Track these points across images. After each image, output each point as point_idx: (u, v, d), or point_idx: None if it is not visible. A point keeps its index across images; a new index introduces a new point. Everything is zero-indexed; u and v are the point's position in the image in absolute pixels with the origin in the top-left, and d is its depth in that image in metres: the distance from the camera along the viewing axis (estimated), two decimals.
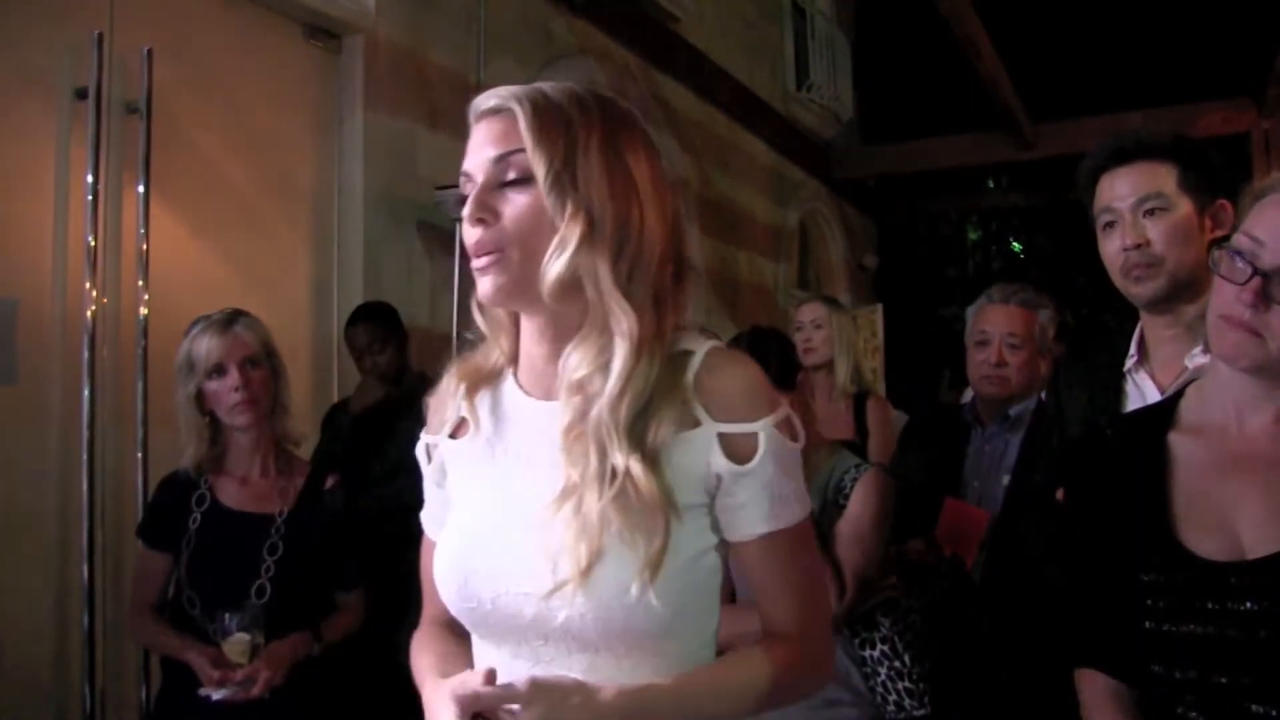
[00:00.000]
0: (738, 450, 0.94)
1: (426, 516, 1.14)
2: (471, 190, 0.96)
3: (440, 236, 3.73)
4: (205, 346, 1.94)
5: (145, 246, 2.70)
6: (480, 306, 1.03)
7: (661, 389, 0.94)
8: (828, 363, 3.15)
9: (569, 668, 0.93)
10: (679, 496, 0.94)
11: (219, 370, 1.94)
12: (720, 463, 0.94)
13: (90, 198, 2.57)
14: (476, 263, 0.95)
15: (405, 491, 2.64)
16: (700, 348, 0.98)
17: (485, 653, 1.01)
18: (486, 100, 0.98)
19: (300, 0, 3.29)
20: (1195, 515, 1.11)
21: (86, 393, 2.53)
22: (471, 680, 0.88)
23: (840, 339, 3.17)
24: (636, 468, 0.91)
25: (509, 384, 1.04)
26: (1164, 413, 1.22)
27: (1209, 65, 6.93)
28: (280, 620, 1.86)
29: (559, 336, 0.97)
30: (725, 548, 0.99)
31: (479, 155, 0.97)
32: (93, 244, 2.57)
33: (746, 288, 6.58)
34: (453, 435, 1.06)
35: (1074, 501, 1.26)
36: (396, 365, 3.04)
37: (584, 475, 0.92)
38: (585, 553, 0.89)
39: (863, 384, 3.22)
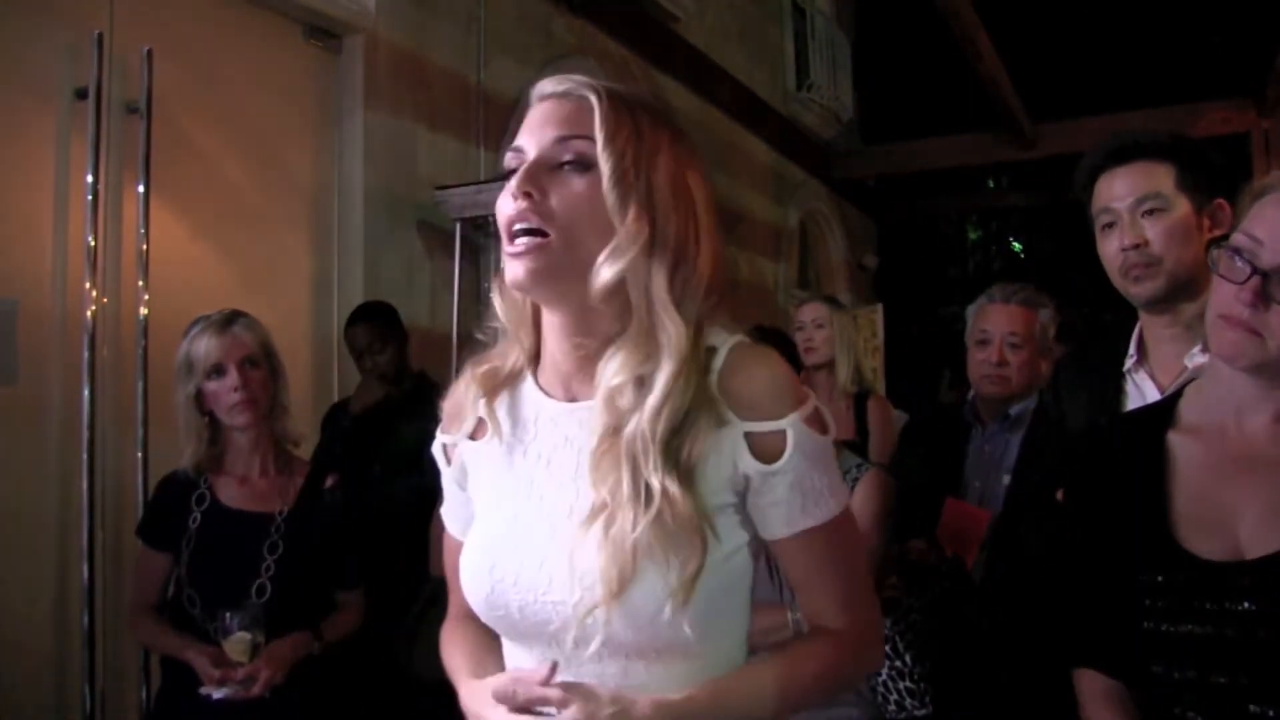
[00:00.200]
0: (766, 449, 0.92)
1: (448, 515, 1.11)
2: (521, 165, 0.93)
3: (440, 237, 3.73)
4: (204, 347, 1.94)
5: (145, 246, 2.70)
6: (501, 297, 1.00)
7: (696, 399, 0.91)
8: (828, 362, 3.16)
9: (600, 671, 0.93)
10: (710, 499, 0.92)
11: (218, 370, 1.94)
12: (748, 463, 0.92)
13: (90, 197, 2.57)
14: (513, 245, 0.91)
15: (406, 490, 2.65)
16: (724, 344, 0.95)
17: (515, 655, 1.00)
18: (557, 84, 0.96)
19: (300, 0, 3.29)
20: (1194, 515, 1.11)
21: (86, 393, 2.53)
22: (529, 678, 0.88)
23: (841, 339, 3.18)
24: (673, 488, 0.88)
25: (528, 384, 1.01)
26: (1163, 412, 1.22)
27: (1209, 65, 6.93)
28: (280, 619, 1.86)
29: (587, 337, 0.95)
30: (756, 544, 0.97)
31: (538, 133, 0.94)
32: (93, 244, 2.57)
33: (746, 288, 6.58)
34: (471, 436, 1.04)
35: (1073, 501, 1.26)
36: (396, 365, 3.04)
37: (615, 495, 0.89)
38: (617, 577, 0.87)
39: (863, 384, 3.22)
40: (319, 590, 2.02)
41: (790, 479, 0.93)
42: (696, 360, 0.92)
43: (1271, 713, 1.01)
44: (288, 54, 3.39)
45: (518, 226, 0.91)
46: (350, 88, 3.54)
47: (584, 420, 0.95)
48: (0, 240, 2.49)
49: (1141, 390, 1.56)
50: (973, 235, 11.69)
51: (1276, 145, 6.61)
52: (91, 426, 2.53)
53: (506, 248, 0.92)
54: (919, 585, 2.10)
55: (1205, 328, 1.14)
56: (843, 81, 8.02)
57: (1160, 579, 1.09)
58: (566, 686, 0.87)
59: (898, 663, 1.83)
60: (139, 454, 2.66)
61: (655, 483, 0.88)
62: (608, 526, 0.89)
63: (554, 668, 0.88)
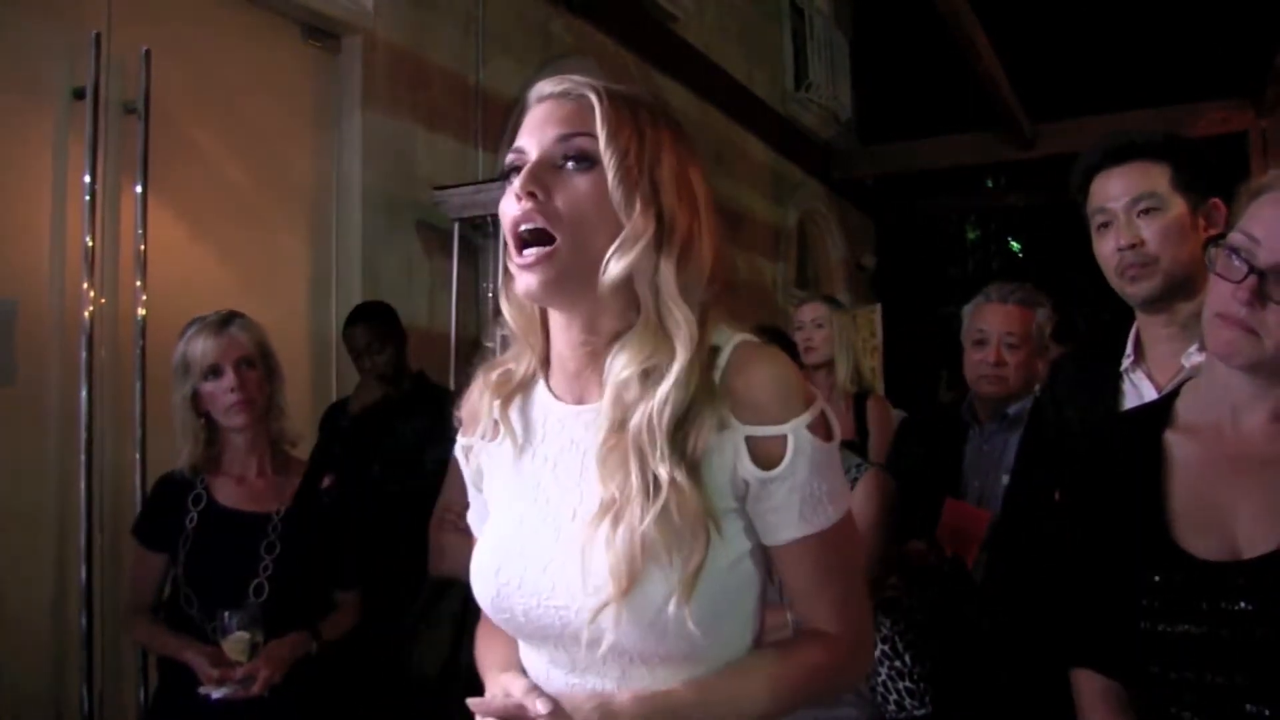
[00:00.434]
0: (766, 453, 0.91)
1: (472, 516, 1.12)
2: (523, 165, 0.93)
3: (439, 236, 3.73)
4: (200, 348, 1.94)
5: (143, 247, 2.71)
6: (510, 302, 1.00)
7: (700, 392, 0.91)
8: (828, 362, 3.16)
9: (604, 674, 0.93)
10: (714, 500, 0.91)
11: (214, 371, 1.94)
12: (748, 468, 0.91)
13: (88, 198, 2.57)
14: (523, 257, 0.91)
15: (406, 490, 2.64)
16: (728, 343, 0.95)
17: (527, 654, 1.01)
18: (556, 84, 0.96)
19: (298, 0, 3.29)
20: (1191, 515, 1.11)
21: (84, 393, 2.53)
22: (514, 686, 0.89)
23: (840, 338, 3.18)
24: (681, 479, 0.88)
25: (539, 388, 1.02)
26: (1160, 412, 1.22)
27: (1207, 65, 6.93)
28: (278, 619, 1.87)
29: (593, 334, 0.96)
30: (760, 554, 0.96)
31: (539, 133, 0.94)
32: (90, 244, 2.57)
33: (745, 287, 6.58)
34: (487, 439, 1.05)
35: (1071, 501, 1.26)
36: (395, 365, 3.04)
37: (623, 490, 0.89)
38: (626, 572, 0.87)
39: (863, 383, 3.22)
40: (317, 590, 2.02)
41: (789, 485, 0.91)
42: (701, 354, 0.92)
43: (1268, 712, 1.01)
44: (286, 54, 3.39)
45: (524, 228, 0.92)
46: (348, 88, 3.54)
47: (590, 423, 0.96)
48: None
49: (1139, 390, 1.56)
50: (971, 235, 11.68)
51: (1274, 145, 6.61)
52: (90, 427, 2.53)
53: (515, 259, 0.92)
54: (919, 585, 2.10)
55: (1202, 327, 1.14)
56: (841, 81, 8.02)
57: (1157, 579, 1.09)
58: (550, 714, 0.88)
59: (897, 663, 1.83)
60: (137, 454, 2.66)
61: (663, 473, 0.88)
62: (615, 523, 0.88)
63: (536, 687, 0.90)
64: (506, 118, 4.04)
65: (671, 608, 0.87)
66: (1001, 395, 2.33)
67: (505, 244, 0.95)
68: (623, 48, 5.20)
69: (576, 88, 0.94)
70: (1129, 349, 1.60)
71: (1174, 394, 1.24)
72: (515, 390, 1.02)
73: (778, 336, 2.01)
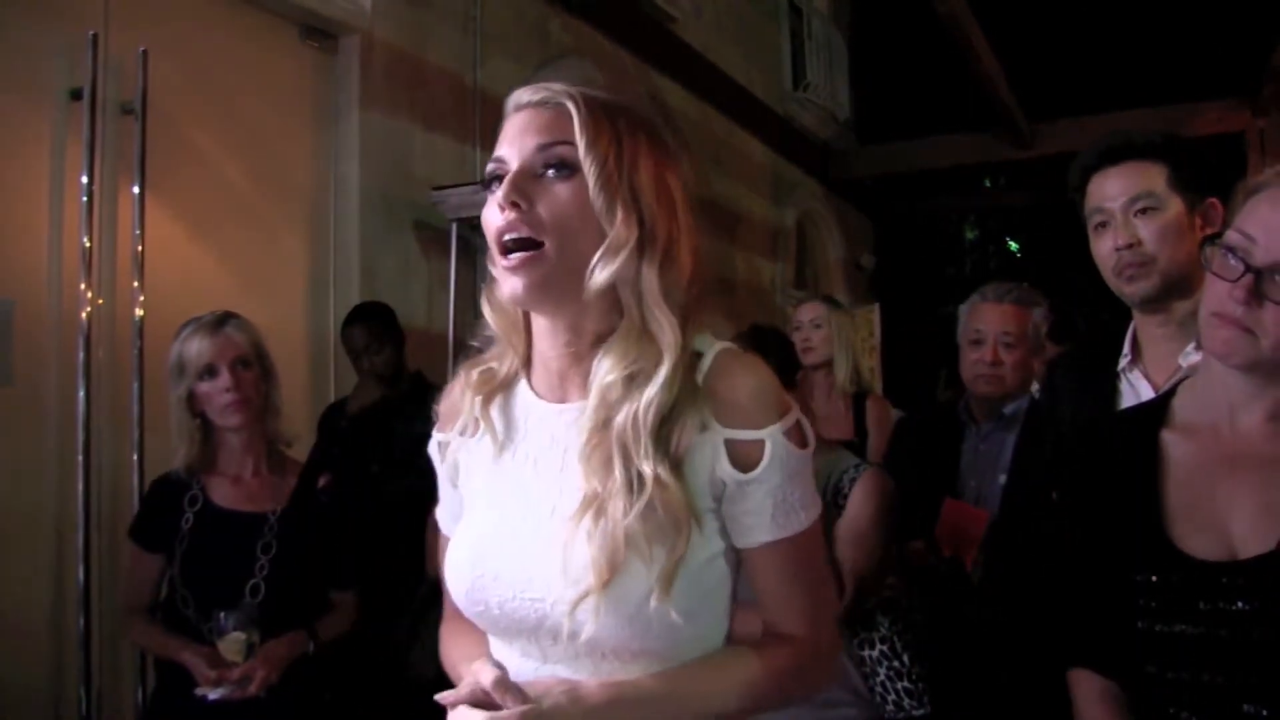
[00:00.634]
0: (744, 456, 0.93)
1: (442, 513, 1.13)
2: (504, 175, 0.94)
3: (437, 236, 3.73)
4: (196, 348, 1.94)
5: (140, 247, 2.70)
6: (491, 307, 1.01)
7: (684, 394, 0.93)
8: (827, 362, 3.16)
9: (575, 670, 0.94)
10: (694, 499, 0.93)
11: (210, 371, 1.94)
12: (726, 469, 0.93)
13: (85, 198, 2.57)
14: (508, 260, 0.93)
15: (404, 490, 2.64)
16: (710, 350, 0.97)
17: (498, 649, 1.01)
18: (533, 93, 0.97)
19: (296, 0, 3.29)
20: (1188, 514, 1.11)
21: (82, 394, 2.53)
22: (483, 675, 0.88)
23: (840, 338, 3.18)
24: (665, 475, 0.90)
25: (521, 386, 1.03)
26: (1157, 411, 1.22)
27: (1205, 64, 6.94)
28: (275, 619, 1.86)
29: (576, 338, 0.97)
30: (734, 554, 0.98)
31: (519, 142, 0.95)
32: (88, 245, 2.56)
33: (743, 287, 6.58)
34: (465, 434, 1.05)
35: (1068, 501, 1.26)
36: (393, 365, 3.04)
37: (606, 485, 0.91)
38: (607, 564, 0.88)
39: (862, 383, 3.22)
40: (313, 590, 2.01)
41: (765, 489, 0.94)
42: (685, 358, 0.94)
43: (1266, 712, 1.01)
44: (283, 54, 3.39)
45: (509, 237, 0.93)
46: (346, 88, 3.54)
47: (571, 421, 0.97)
48: None
49: (1136, 389, 1.56)
50: (970, 235, 11.69)
51: (1271, 144, 6.62)
52: (87, 427, 2.53)
53: (500, 262, 0.94)
54: (918, 585, 2.10)
55: (1198, 326, 1.14)
56: (839, 81, 8.02)
57: (1154, 579, 1.09)
58: (522, 713, 0.86)
59: (896, 663, 1.83)
60: (135, 455, 2.65)
61: (647, 470, 0.90)
62: (598, 517, 0.90)
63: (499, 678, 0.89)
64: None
65: (652, 600, 0.89)
66: (998, 395, 2.33)
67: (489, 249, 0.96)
68: (621, 48, 5.19)
69: (555, 96, 0.95)
70: (1126, 348, 1.60)
71: (1170, 393, 1.24)
72: (497, 389, 1.03)
73: (775, 336, 2.01)
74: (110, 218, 2.71)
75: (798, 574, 0.98)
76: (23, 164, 2.58)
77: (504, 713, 0.85)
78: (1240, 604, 1.03)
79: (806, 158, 7.66)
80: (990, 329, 2.34)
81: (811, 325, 3.20)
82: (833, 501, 1.85)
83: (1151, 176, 1.50)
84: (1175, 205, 1.50)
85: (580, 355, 0.97)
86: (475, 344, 1.06)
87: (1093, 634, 1.17)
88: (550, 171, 0.93)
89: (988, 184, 10.39)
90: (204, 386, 1.94)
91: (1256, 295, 1.05)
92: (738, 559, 0.98)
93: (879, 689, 1.82)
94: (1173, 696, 1.08)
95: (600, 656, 0.93)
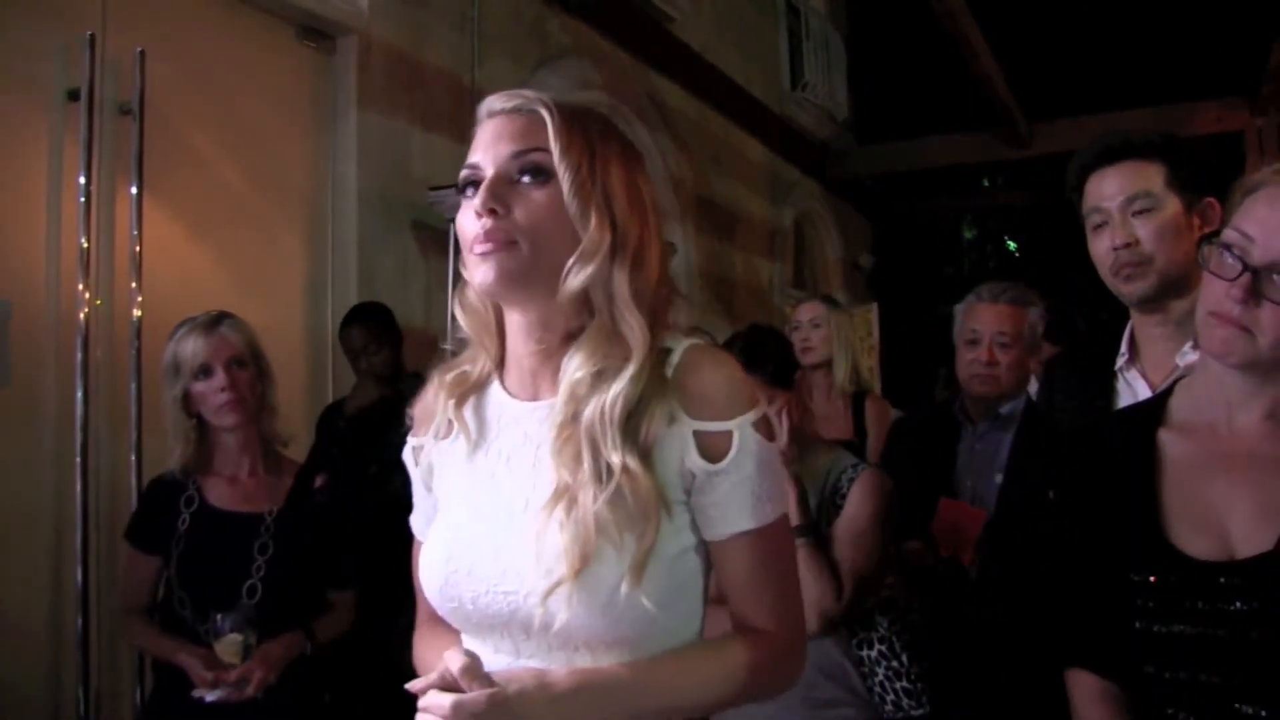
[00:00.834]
0: (713, 448, 0.95)
1: (415, 519, 1.14)
2: (479, 182, 0.96)
3: (435, 237, 3.73)
4: (191, 348, 1.94)
5: (138, 248, 2.70)
6: (463, 309, 1.03)
7: (650, 387, 0.95)
8: (826, 362, 3.15)
9: (549, 663, 0.94)
10: (664, 492, 0.94)
11: (205, 371, 1.94)
12: (695, 460, 0.95)
13: (83, 199, 2.56)
14: (479, 247, 0.94)
15: (402, 490, 2.64)
16: (679, 345, 0.99)
17: (471, 646, 1.01)
18: (506, 100, 0.99)
19: (293, 1, 3.29)
20: (1185, 514, 1.11)
21: (80, 395, 2.52)
22: (453, 663, 0.88)
23: (839, 338, 3.18)
24: (633, 464, 0.92)
25: (494, 387, 1.05)
26: (1154, 410, 1.22)
27: (1203, 64, 6.94)
28: (272, 620, 1.86)
29: (547, 335, 0.99)
30: (706, 550, 0.99)
31: (493, 149, 0.97)
32: (86, 245, 2.56)
33: (742, 287, 6.58)
34: (439, 437, 1.07)
35: (1065, 501, 1.26)
36: (392, 366, 3.04)
37: (576, 477, 0.92)
38: (579, 554, 0.90)
39: (861, 383, 3.22)
40: (310, 590, 2.01)
41: (734, 480, 0.95)
42: (652, 356, 0.96)
43: (1263, 713, 1.01)
44: (281, 55, 3.39)
45: (486, 245, 0.95)
46: (344, 88, 3.53)
47: (544, 418, 0.99)
48: None
49: (1133, 388, 1.56)
50: (968, 234, 11.69)
51: (1270, 143, 6.62)
52: (85, 428, 2.53)
53: (475, 249, 0.95)
54: (916, 585, 2.10)
55: (1195, 325, 1.13)
56: (837, 81, 8.03)
57: (1152, 579, 1.09)
58: (489, 696, 0.86)
59: (895, 663, 1.83)
60: (133, 456, 2.65)
61: (616, 460, 0.92)
62: (569, 507, 0.92)
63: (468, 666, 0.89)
64: None
65: (624, 588, 0.90)
66: (994, 395, 2.33)
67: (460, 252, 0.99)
68: (619, 48, 5.20)
69: (528, 103, 0.98)
70: (1123, 348, 1.60)
71: (1168, 392, 1.24)
72: (470, 390, 1.05)
73: (774, 335, 2.01)
74: (108, 218, 2.71)
75: (766, 567, 0.99)
76: (20, 164, 2.58)
77: (471, 694, 0.85)
78: (1238, 604, 1.03)
79: (805, 157, 7.66)
80: (986, 329, 2.34)
81: (811, 325, 3.20)
82: (831, 501, 1.85)
83: (1149, 176, 1.51)
84: (1173, 205, 1.50)
85: (551, 352, 0.99)
86: (447, 347, 1.09)
87: (1090, 634, 1.17)
88: (525, 178, 0.95)
89: (986, 184, 10.38)
90: (199, 386, 1.94)
91: (1254, 294, 1.05)
92: (709, 556, 1.00)
93: (877, 689, 1.82)
94: (1171, 696, 1.07)
95: (574, 649, 0.94)
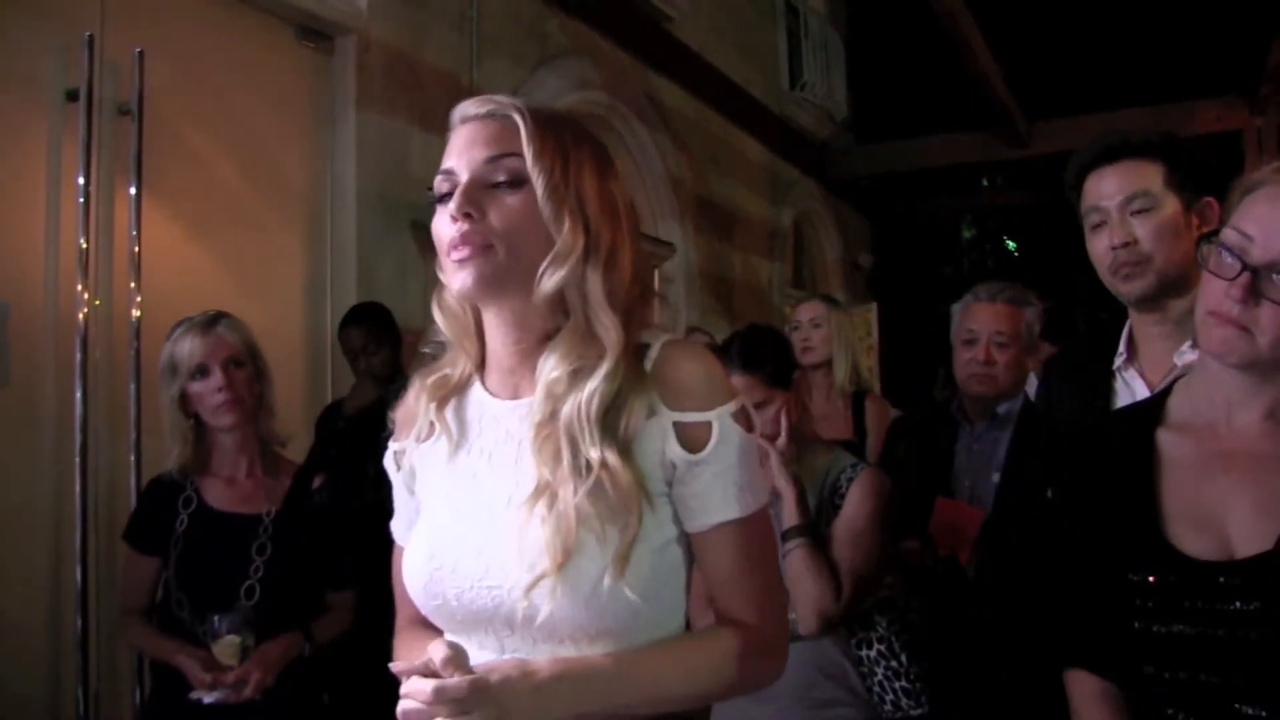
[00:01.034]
0: (692, 439, 0.97)
1: (397, 524, 1.15)
2: (455, 187, 0.98)
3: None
4: (188, 348, 1.93)
5: (137, 248, 2.69)
6: (442, 312, 1.05)
7: (628, 382, 0.97)
8: (826, 361, 3.15)
9: (534, 655, 0.95)
10: (645, 484, 0.96)
11: (202, 371, 1.93)
12: (675, 451, 0.96)
13: (82, 200, 2.56)
14: (456, 253, 0.96)
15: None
16: (657, 341, 1.01)
17: None
18: (479, 106, 1.01)
19: (292, 1, 3.28)
20: (1184, 514, 1.11)
21: (79, 395, 2.52)
22: (436, 652, 0.88)
23: (839, 338, 3.18)
24: (612, 458, 0.94)
25: (475, 387, 1.06)
26: (1153, 410, 1.22)
27: (1202, 63, 6.94)
28: (270, 621, 1.86)
29: (525, 335, 1.01)
30: (688, 542, 1.00)
31: (468, 154, 0.99)
32: (84, 246, 2.56)
33: (741, 287, 6.58)
34: (421, 440, 1.08)
35: (1063, 500, 1.26)
36: (391, 366, 3.04)
37: (556, 473, 0.94)
38: (561, 547, 0.91)
39: (861, 383, 3.22)
40: (309, 591, 2.01)
41: (714, 470, 0.97)
42: (628, 353, 0.98)
43: (1263, 714, 1.01)
44: (280, 55, 3.38)
45: (463, 250, 0.96)
46: (342, 88, 3.53)
47: (524, 416, 1.00)
48: None
49: (1131, 388, 1.56)
50: (967, 234, 11.69)
51: (1269, 143, 6.62)
52: (84, 429, 2.52)
53: (451, 255, 0.97)
54: (915, 585, 2.10)
55: (1194, 325, 1.13)
56: (836, 80, 8.03)
57: (1151, 579, 1.09)
58: (471, 682, 0.86)
59: (894, 662, 1.83)
60: (132, 456, 2.65)
61: (594, 455, 0.93)
62: (551, 503, 0.93)
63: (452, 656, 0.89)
64: None
65: (607, 580, 0.91)
66: (991, 394, 2.33)
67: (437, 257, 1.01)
68: (618, 48, 5.19)
69: (501, 109, 0.99)
70: (1121, 347, 1.60)
71: (1166, 392, 1.24)
72: (451, 392, 1.06)
73: (773, 336, 2.01)
74: (107, 219, 2.71)
75: (748, 558, 1.00)
76: (19, 165, 2.58)
77: (452, 680, 0.85)
78: (1238, 603, 1.03)
79: (804, 157, 7.66)
80: (983, 329, 2.34)
81: (811, 325, 3.20)
82: (830, 501, 1.85)
83: (1148, 175, 1.51)
84: (1172, 204, 1.50)
85: (528, 352, 1.01)
86: (426, 350, 1.09)
87: (1089, 634, 1.17)
88: (500, 182, 0.97)
89: (985, 183, 10.39)
90: (196, 387, 1.94)
91: (1253, 294, 1.05)
92: (691, 549, 1.01)
93: (876, 689, 1.82)
94: (1170, 697, 1.07)
95: (558, 642, 0.95)
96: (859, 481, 1.85)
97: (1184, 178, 1.50)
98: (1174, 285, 1.50)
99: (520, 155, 0.97)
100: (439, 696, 0.84)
